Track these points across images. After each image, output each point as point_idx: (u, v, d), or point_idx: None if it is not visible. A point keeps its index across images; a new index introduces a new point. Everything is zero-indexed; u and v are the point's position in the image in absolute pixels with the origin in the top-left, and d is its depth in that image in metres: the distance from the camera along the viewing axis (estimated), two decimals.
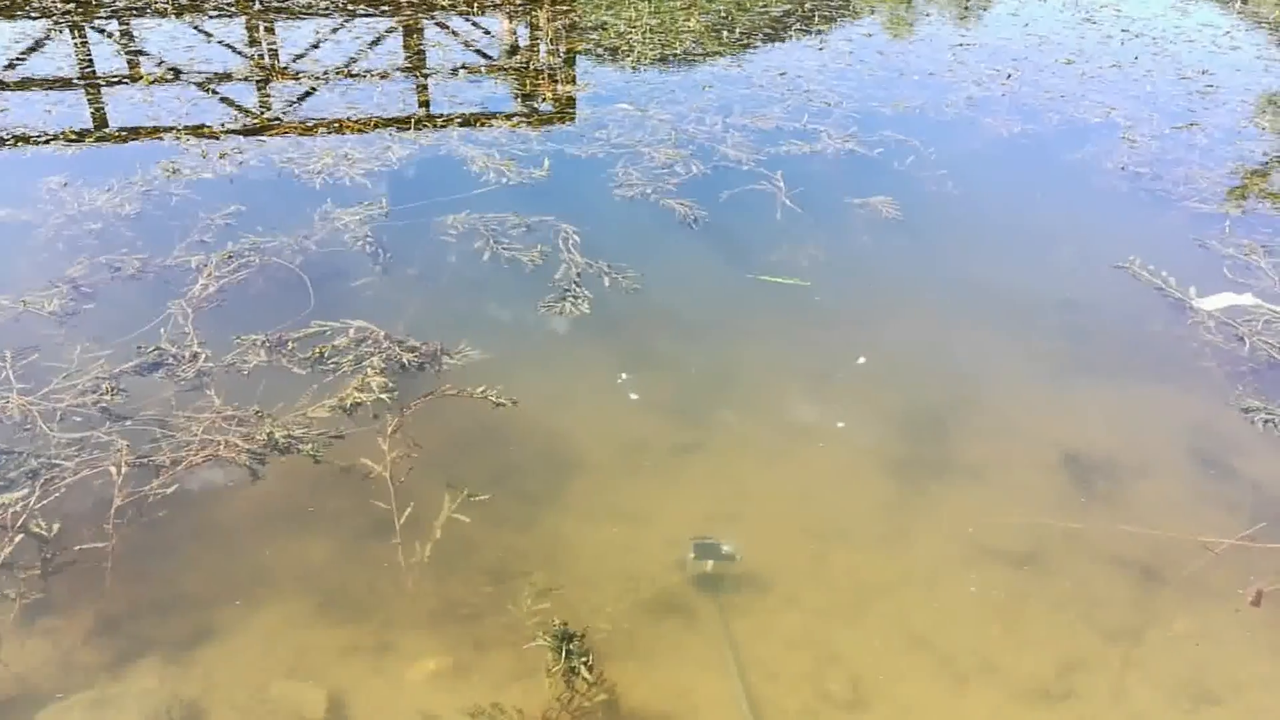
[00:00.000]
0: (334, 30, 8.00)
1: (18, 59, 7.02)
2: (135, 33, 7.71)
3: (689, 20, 8.80)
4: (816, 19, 9.08)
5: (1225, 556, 3.23)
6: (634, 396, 3.75)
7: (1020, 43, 8.58)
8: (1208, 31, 9.20)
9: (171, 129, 5.91)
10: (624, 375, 3.89)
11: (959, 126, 6.54)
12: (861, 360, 4.07)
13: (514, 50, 7.97)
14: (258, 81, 6.82)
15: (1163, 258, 4.85)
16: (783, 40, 8.39)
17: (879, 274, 4.79)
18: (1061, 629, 3.00)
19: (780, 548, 3.23)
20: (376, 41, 7.75)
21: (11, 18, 7.93)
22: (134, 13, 8.14)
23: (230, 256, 4.50)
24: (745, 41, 8.28)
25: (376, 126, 6.09)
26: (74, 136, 5.75)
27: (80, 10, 8.09)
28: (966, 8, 9.98)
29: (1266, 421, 3.79)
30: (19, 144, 5.64)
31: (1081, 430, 3.78)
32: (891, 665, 2.86)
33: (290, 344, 3.95)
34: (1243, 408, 3.88)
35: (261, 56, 7.34)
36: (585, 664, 2.75)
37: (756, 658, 2.85)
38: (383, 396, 3.68)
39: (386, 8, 8.58)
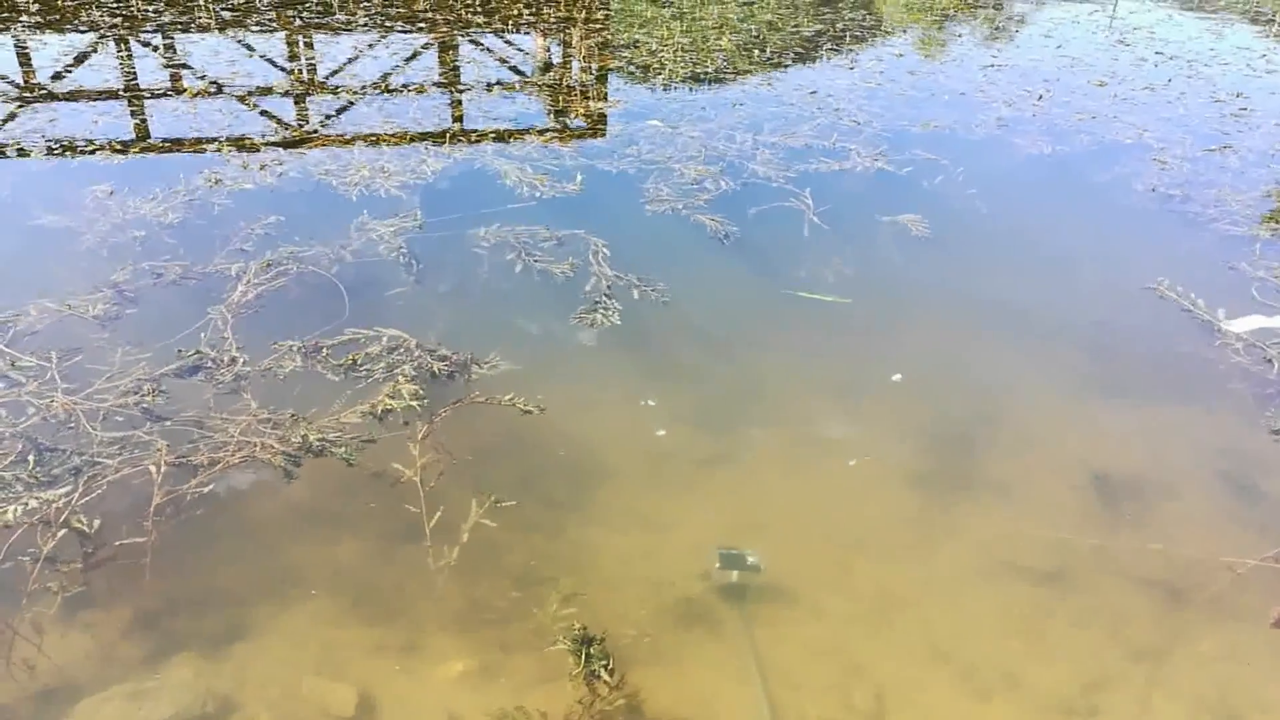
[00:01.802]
0: (371, 46, 8.17)
1: (65, 70, 7.22)
2: (179, 47, 7.90)
3: (720, 39, 8.89)
4: (848, 39, 9.13)
5: (1252, 577, 3.21)
6: (661, 433, 3.74)
7: (1052, 64, 8.59)
8: (1243, 54, 9.16)
9: (214, 141, 6.06)
10: (651, 401, 3.90)
11: (989, 146, 6.56)
12: (897, 377, 4.08)
13: (547, 67, 8.09)
14: (297, 95, 6.97)
15: (1192, 280, 4.84)
16: (814, 60, 8.45)
17: (907, 291, 4.81)
18: (1086, 646, 2.99)
19: (805, 559, 3.25)
20: (412, 57, 7.89)
21: (61, 30, 8.16)
22: (178, 27, 8.35)
23: (269, 265, 4.61)
24: (776, 61, 8.35)
25: (412, 140, 6.20)
26: (119, 147, 5.90)
27: (126, 24, 8.31)
28: (998, 28, 10.00)
29: None
30: (67, 153, 5.80)
31: (1109, 450, 3.78)
32: (915, 678, 2.87)
33: (325, 350, 4.04)
34: (1272, 430, 3.86)
35: (301, 71, 7.50)
36: (605, 667, 2.78)
37: (779, 667, 2.87)
38: (413, 403, 3.75)
39: (423, 25, 8.74)
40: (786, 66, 8.22)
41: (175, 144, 6.01)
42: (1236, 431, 3.89)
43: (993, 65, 8.50)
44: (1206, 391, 4.13)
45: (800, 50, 8.69)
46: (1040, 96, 7.59)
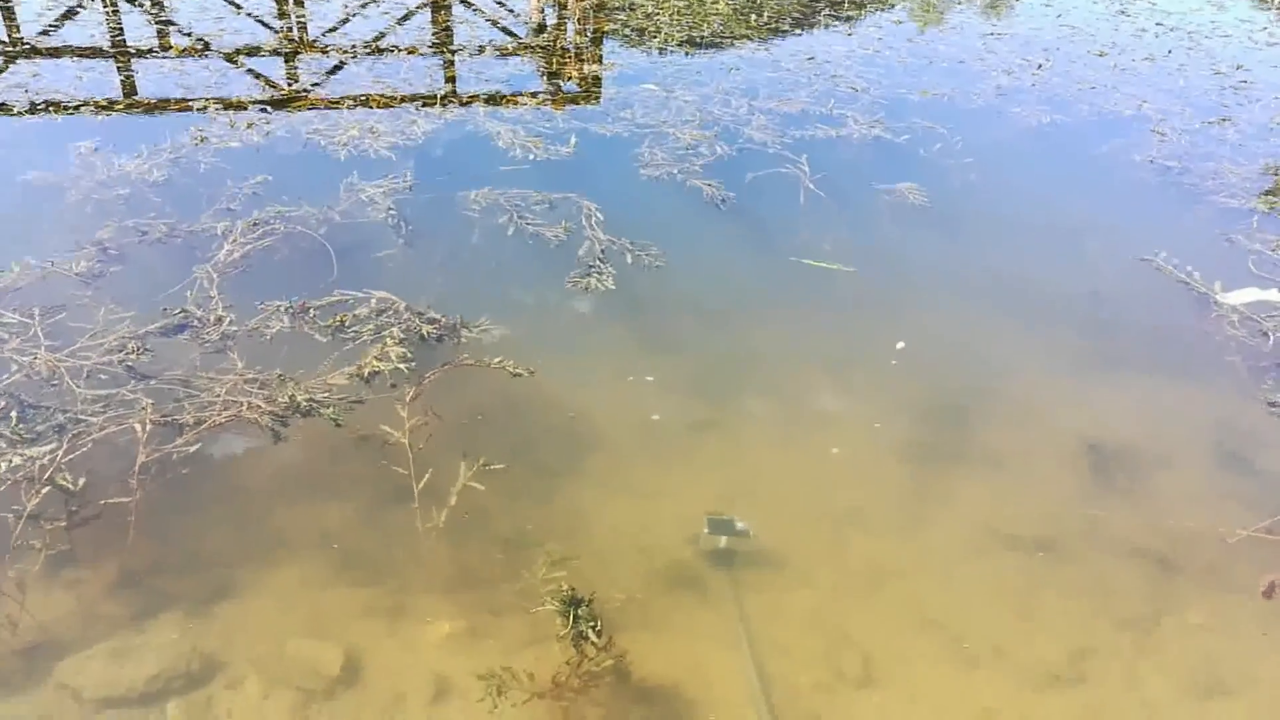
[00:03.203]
0: (363, 5, 8.02)
1: (51, 26, 7.08)
2: (165, 3, 7.74)
3: (717, 3, 8.76)
4: (846, 5, 9.01)
5: (1242, 549, 3.21)
6: (655, 417, 3.66)
7: (1052, 33, 8.49)
8: (1244, 27, 9.07)
9: (200, 99, 5.95)
10: (649, 378, 3.85)
11: (987, 115, 6.49)
12: (901, 345, 4.05)
13: (541, 29, 7.96)
14: (286, 54, 6.85)
15: (1189, 252, 4.81)
16: (812, 25, 8.34)
17: (903, 260, 4.77)
18: (1075, 616, 2.99)
19: (794, 527, 3.24)
20: (405, 17, 7.75)
21: None
22: None
23: (256, 224, 4.54)
24: (774, 25, 8.23)
25: (403, 101, 6.10)
26: (104, 104, 5.79)
27: None
28: None
29: None
30: (51, 109, 5.69)
31: (1103, 421, 3.76)
32: (903, 646, 2.87)
33: (312, 311, 3.98)
34: (1268, 402, 3.85)
35: (290, 29, 7.36)
36: (594, 629, 2.77)
37: (768, 634, 2.86)
38: (401, 366, 3.70)
39: None
40: (784, 32, 8.11)
41: (161, 102, 5.90)
42: (1231, 403, 3.88)
43: (992, 34, 8.40)
44: (1202, 363, 4.11)
45: (798, 15, 8.57)
46: (1040, 66, 7.51)
